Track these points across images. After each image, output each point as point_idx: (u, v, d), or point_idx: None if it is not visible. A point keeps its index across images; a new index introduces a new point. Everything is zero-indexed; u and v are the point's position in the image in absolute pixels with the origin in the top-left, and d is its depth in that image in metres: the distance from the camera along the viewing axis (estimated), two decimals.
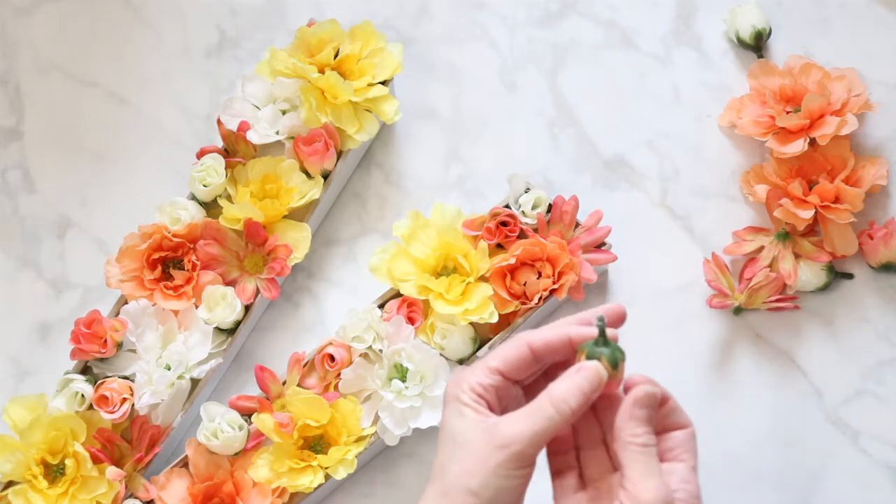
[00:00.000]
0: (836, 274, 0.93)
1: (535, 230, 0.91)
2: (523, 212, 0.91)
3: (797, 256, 0.92)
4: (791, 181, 0.91)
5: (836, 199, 0.91)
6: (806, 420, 0.92)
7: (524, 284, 0.89)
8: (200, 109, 1.00)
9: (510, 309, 0.90)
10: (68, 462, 0.88)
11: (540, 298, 0.89)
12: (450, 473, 0.70)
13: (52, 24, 1.02)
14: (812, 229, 0.93)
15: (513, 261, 0.89)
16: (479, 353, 0.90)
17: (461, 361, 0.90)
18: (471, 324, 0.89)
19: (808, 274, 0.92)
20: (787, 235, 0.92)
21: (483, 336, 0.91)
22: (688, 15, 1.00)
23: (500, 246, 0.91)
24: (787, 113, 0.92)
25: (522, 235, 0.91)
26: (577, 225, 0.92)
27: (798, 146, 0.91)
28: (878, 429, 0.91)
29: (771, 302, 0.92)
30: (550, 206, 0.92)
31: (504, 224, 0.91)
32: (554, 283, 0.89)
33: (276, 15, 1.02)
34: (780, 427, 0.92)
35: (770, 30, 0.97)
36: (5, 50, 1.02)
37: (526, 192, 0.92)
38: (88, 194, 0.99)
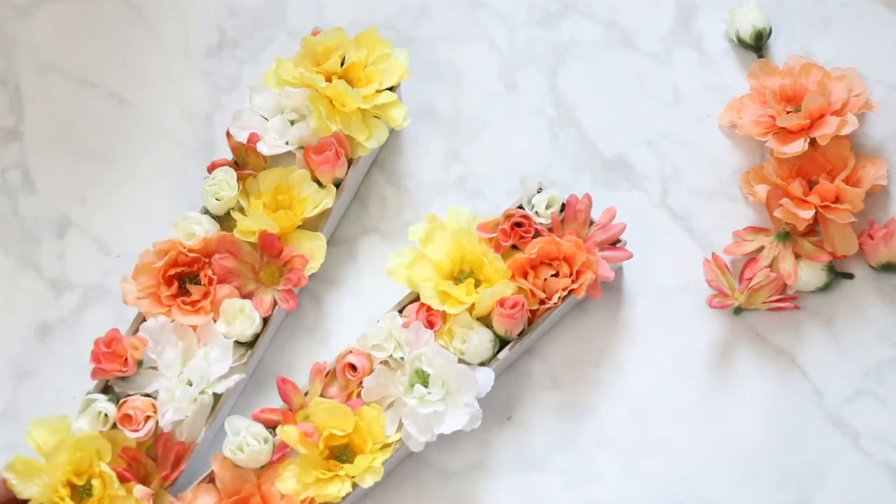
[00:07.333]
0: (837, 274, 0.93)
1: (550, 230, 0.91)
2: (537, 212, 0.91)
3: (797, 256, 0.92)
4: (791, 181, 0.91)
5: (837, 199, 0.91)
6: (806, 420, 0.92)
7: (544, 281, 0.89)
8: (200, 109, 1.00)
9: (535, 306, 0.89)
10: (94, 482, 0.87)
11: (559, 298, 0.89)
12: None
13: (52, 24, 1.02)
14: (812, 229, 0.93)
15: (534, 255, 0.89)
16: (500, 356, 0.89)
17: (483, 364, 0.89)
18: (489, 326, 0.89)
19: (809, 274, 0.92)
20: (787, 235, 0.92)
21: (504, 338, 0.90)
22: (688, 15, 1.00)
23: (515, 247, 0.91)
24: (788, 113, 0.92)
25: (537, 236, 0.91)
26: (591, 223, 0.92)
27: (798, 146, 0.91)
28: (878, 429, 0.91)
29: (771, 302, 0.92)
30: (563, 205, 0.92)
31: (518, 225, 0.90)
32: (573, 281, 0.89)
33: (276, 15, 1.02)
34: (780, 427, 0.92)
35: (770, 30, 0.97)
36: (5, 50, 1.02)
37: (539, 192, 0.92)
38: (88, 194, 0.99)
